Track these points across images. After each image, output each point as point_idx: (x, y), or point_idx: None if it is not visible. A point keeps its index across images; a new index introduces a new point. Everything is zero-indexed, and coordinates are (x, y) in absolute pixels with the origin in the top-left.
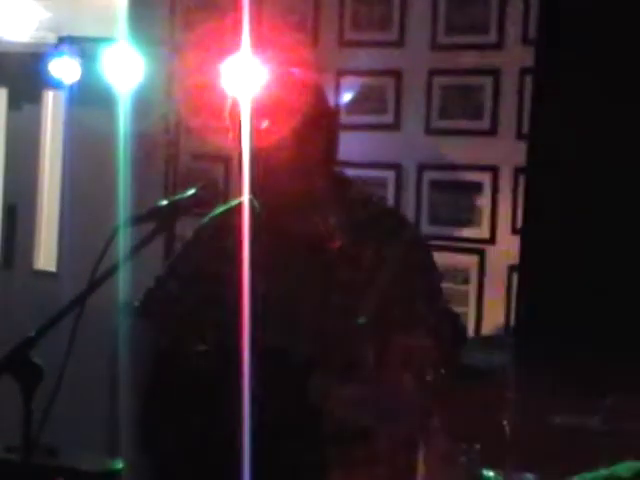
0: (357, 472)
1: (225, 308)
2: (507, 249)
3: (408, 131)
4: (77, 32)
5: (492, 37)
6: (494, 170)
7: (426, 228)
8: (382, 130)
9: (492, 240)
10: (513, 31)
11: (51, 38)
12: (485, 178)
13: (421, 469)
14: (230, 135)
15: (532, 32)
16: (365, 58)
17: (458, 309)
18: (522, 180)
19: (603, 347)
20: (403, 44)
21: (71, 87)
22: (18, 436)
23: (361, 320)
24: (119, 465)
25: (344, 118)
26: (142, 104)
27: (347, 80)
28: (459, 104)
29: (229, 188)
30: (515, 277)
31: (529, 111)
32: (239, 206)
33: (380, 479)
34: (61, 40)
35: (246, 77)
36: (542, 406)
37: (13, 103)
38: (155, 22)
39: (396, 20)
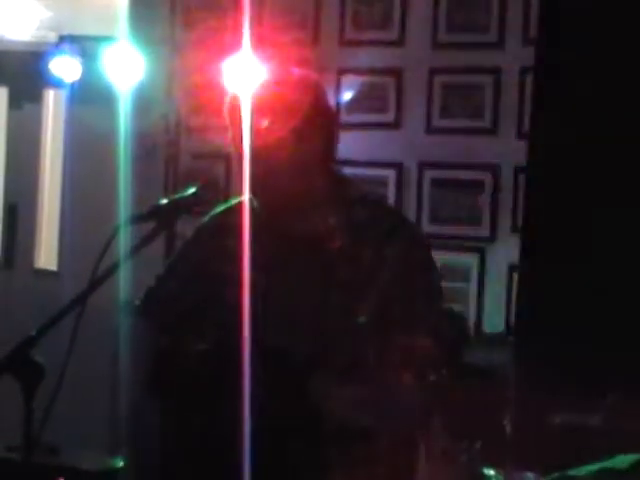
0: (358, 472)
1: (225, 307)
2: (507, 248)
3: (409, 130)
4: (78, 31)
5: (493, 36)
6: (495, 169)
7: (427, 226)
8: (383, 129)
9: (492, 239)
10: (514, 30)
11: (52, 37)
12: (486, 177)
13: (422, 468)
14: (229, 134)
15: (532, 31)
16: (366, 57)
17: (458, 307)
18: (522, 179)
19: (603, 346)
20: (404, 43)
21: (72, 86)
22: (19, 435)
23: (361, 320)
24: (120, 464)
25: (345, 117)
26: (142, 103)
27: (348, 79)
28: (460, 103)
29: (229, 187)
30: (515, 276)
31: (529, 110)
32: (239, 205)
33: (381, 479)
34: (62, 39)
35: (246, 76)
36: (542, 405)
37: (14, 102)
38: (156, 21)
39: (397, 19)
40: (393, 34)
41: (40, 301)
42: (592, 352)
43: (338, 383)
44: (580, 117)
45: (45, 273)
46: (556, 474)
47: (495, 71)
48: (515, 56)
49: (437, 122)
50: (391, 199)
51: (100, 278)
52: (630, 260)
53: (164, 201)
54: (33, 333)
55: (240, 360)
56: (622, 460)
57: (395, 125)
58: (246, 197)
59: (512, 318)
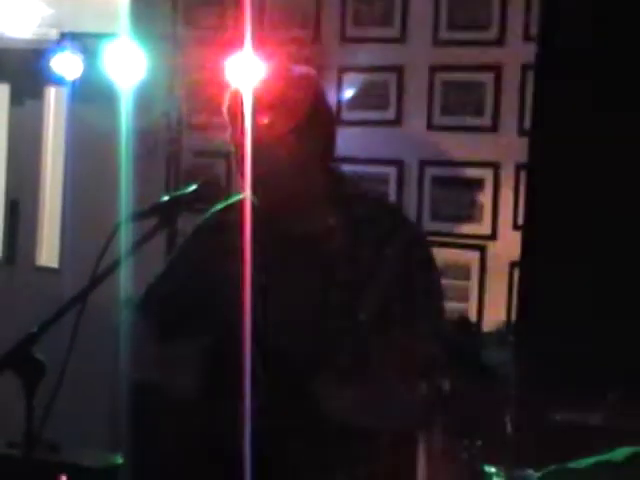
0: (358, 471)
1: (225, 305)
2: (508, 245)
3: (410, 127)
4: (79, 28)
5: (493, 33)
6: (496, 166)
7: (428, 224)
8: (384, 126)
9: (493, 236)
10: (514, 27)
11: (53, 34)
12: (487, 174)
13: (422, 467)
14: (229, 131)
15: (533, 28)
16: (367, 54)
17: (459, 305)
18: (523, 176)
19: (603, 345)
20: (405, 40)
21: (73, 83)
22: (20, 432)
23: (361, 319)
24: (120, 461)
25: (346, 114)
26: (144, 100)
27: (349, 76)
28: (461, 100)
29: (231, 184)
30: (516, 273)
31: (530, 107)
32: (238, 203)
33: (381, 478)
34: (63, 36)
35: (246, 73)
36: (543, 404)
37: (15, 99)
38: (157, 18)
39: (398, 16)
40: (394, 31)
41: (41, 298)
42: (592, 351)
43: (338, 383)
44: (581, 114)
45: (46, 270)
46: (553, 467)
47: (496, 68)
48: (516, 53)
49: (438, 119)
50: (392, 196)
51: (101, 275)
52: (631, 259)
53: (165, 198)
54: (34, 330)
55: (240, 359)
56: (618, 453)
57: (396, 122)
58: (248, 195)
59: (513, 316)
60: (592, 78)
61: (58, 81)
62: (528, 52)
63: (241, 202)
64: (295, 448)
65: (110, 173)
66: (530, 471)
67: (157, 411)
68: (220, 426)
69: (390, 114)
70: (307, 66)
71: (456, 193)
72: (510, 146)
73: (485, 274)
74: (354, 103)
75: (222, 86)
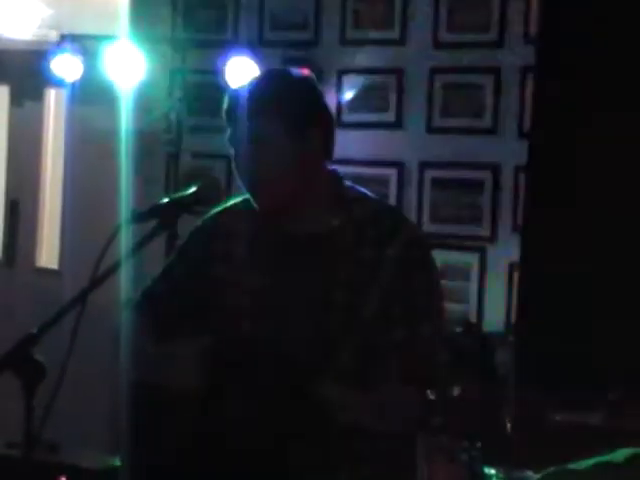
0: (359, 472)
1: (224, 308)
2: (508, 247)
3: (410, 129)
4: (79, 30)
5: (493, 35)
6: (495, 168)
7: (427, 226)
8: (384, 128)
9: (493, 238)
10: (514, 29)
11: (53, 36)
12: (486, 176)
13: (423, 468)
14: (228, 133)
15: (533, 30)
16: (367, 56)
17: (459, 306)
18: (523, 178)
19: (603, 345)
20: (405, 42)
21: (73, 85)
22: (20, 432)
23: (363, 320)
24: (119, 463)
25: (346, 116)
26: (144, 102)
27: (349, 78)
28: (460, 102)
29: (230, 186)
30: (516, 275)
31: (530, 109)
32: (237, 205)
33: (383, 478)
34: (63, 38)
35: (245, 75)
36: (543, 404)
37: (15, 100)
38: (157, 20)
39: (397, 18)
40: (394, 33)
41: (41, 299)
42: (592, 351)
43: (340, 384)
44: (580, 116)
45: (46, 272)
46: (552, 468)
47: (496, 70)
48: (516, 55)
49: (438, 121)
50: (392, 198)
51: (101, 277)
52: (630, 259)
53: (165, 200)
54: (34, 331)
55: (241, 361)
56: (618, 454)
57: (396, 124)
58: (252, 198)
59: (512, 317)
60: (591, 81)
61: (58, 82)
62: (528, 54)
63: (240, 204)
64: (296, 448)
65: (110, 174)
66: (529, 472)
67: (157, 412)
68: (220, 427)
69: (390, 116)
70: (306, 69)
71: (456, 195)
72: (510, 148)
73: (485, 275)
74: (354, 105)
75: (221, 88)
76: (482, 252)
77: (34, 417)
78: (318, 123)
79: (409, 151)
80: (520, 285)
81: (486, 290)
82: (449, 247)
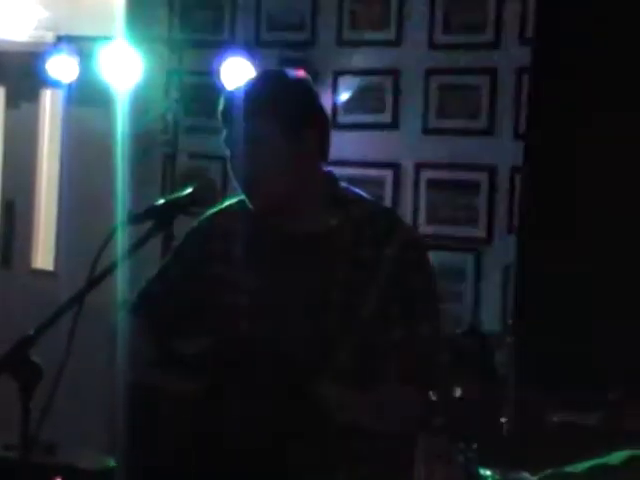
0: (357, 472)
1: (221, 309)
2: (504, 248)
3: (406, 130)
4: (75, 31)
5: (489, 36)
6: (491, 169)
7: (423, 227)
8: (380, 129)
9: (489, 239)
10: (510, 30)
11: (49, 37)
12: (482, 177)
13: (420, 469)
14: (224, 134)
15: (529, 31)
16: (363, 57)
17: (454, 308)
18: (519, 179)
19: (602, 345)
20: (401, 43)
21: (69, 86)
22: (17, 434)
23: (360, 320)
24: (115, 464)
25: (342, 117)
26: (140, 103)
27: (345, 79)
28: (456, 103)
29: (226, 187)
30: (511, 276)
31: (526, 111)
32: (232, 206)
33: (381, 478)
34: (59, 39)
35: (241, 76)
36: (541, 405)
37: (11, 101)
38: (153, 21)
39: (393, 19)
40: (390, 34)
41: (37, 301)
42: (591, 352)
43: (338, 383)
44: (576, 117)
45: (42, 273)
46: (549, 470)
47: (491, 71)
48: (511, 56)
49: (434, 123)
50: (388, 200)
51: (97, 278)
52: (628, 259)
53: (161, 201)
54: (31, 333)
55: (239, 361)
56: (615, 456)
57: (392, 125)
58: (249, 200)
59: (508, 318)
60: (587, 82)
61: (54, 84)
62: (523, 55)
63: (236, 205)
64: (294, 448)
65: (106, 175)
66: (525, 473)
67: (154, 412)
68: (218, 426)
69: (386, 117)
70: (301, 69)
71: (452, 196)
72: (505, 149)
73: (480, 277)
74: (350, 106)
75: (218, 89)
76: (478, 253)
77: (31, 418)
78: (314, 124)
79: (405, 152)
80: (516, 286)
81: (482, 292)
82: (445, 248)
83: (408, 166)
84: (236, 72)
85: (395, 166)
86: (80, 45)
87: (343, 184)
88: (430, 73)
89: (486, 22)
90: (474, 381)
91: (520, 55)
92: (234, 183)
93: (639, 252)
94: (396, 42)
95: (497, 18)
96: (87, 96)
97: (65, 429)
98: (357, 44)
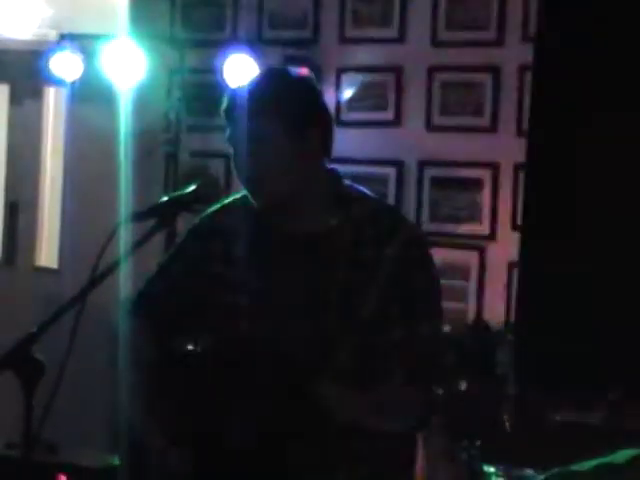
0: (358, 472)
1: (222, 308)
2: (507, 246)
3: (409, 128)
4: (78, 29)
5: (492, 34)
6: (494, 167)
7: (427, 224)
8: (383, 127)
9: (492, 237)
10: (513, 28)
11: (52, 35)
12: (485, 175)
13: (422, 467)
14: (227, 132)
15: (532, 29)
16: (366, 55)
17: (458, 305)
18: (522, 177)
19: (603, 344)
20: (403, 41)
21: (72, 84)
22: (19, 432)
23: (361, 319)
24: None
25: (345, 115)
26: (143, 101)
27: (348, 77)
28: (459, 101)
29: (229, 185)
30: (515, 273)
31: (529, 108)
32: (234, 204)
33: (382, 477)
34: (62, 37)
35: (244, 74)
36: (542, 403)
37: (15, 100)
38: (156, 19)
39: (396, 17)
40: (393, 32)
41: (40, 299)
42: (592, 350)
43: (338, 383)
44: (579, 115)
45: (46, 271)
46: (555, 469)
47: (494, 69)
48: (514, 54)
49: (437, 120)
50: (391, 197)
51: (100, 275)
52: (630, 258)
53: (164, 199)
54: (34, 330)
55: (239, 360)
56: (620, 455)
57: (395, 123)
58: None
59: (512, 316)
60: (590, 79)
61: (57, 82)
62: (526, 53)
63: (238, 201)
64: (295, 448)
65: (109, 173)
66: (529, 470)
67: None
68: (219, 427)
69: (389, 115)
70: (305, 67)
71: (455, 193)
72: (509, 146)
73: (484, 274)
74: (353, 104)
75: (220, 87)
76: (481, 251)
77: (33, 417)
78: (317, 123)
79: (408, 150)
80: (519, 284)
81: (485, 289)
82: (448, 246)
83: (411, 163)
84: (239, 70)
85: (398, 163)
86: (83, 43)
87: (347, 182)
88: (433, 70)
89: (489, 19)
90: (474, 377)
91: (523, 53)
92: (237, 181)
93: (639, 252)
94: (399, 39)
95: (500, 15)
96: (90, 94)
97: (67, 427)
98: (360, 41)
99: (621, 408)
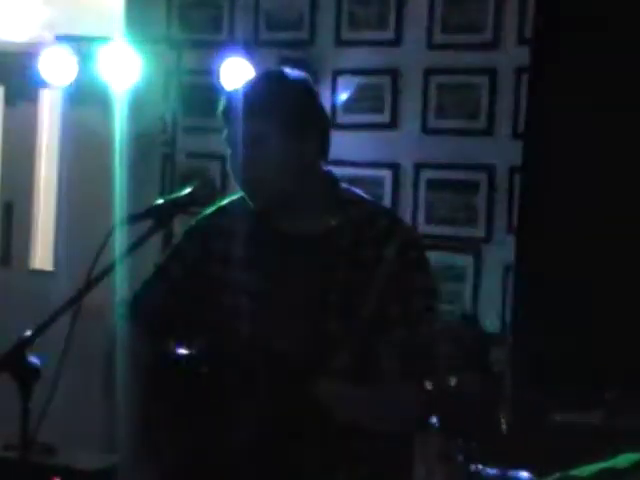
0: (357, 471)
1: (221, 309)
2: (503, 248)
3: (405, 130)
4: (74, 31)
5: (488, 36)
6: (490, 169)
7: (423, 227)
8: (379, 129)
9: (488, 239)
10: (509, 30)
11: (48, 37)
12: (481, 177)
13: (419, 468)
14: (224, 134)
15: (528, 31)
16: (362, 57)
17: (454, 308)
18: (518, 179)
19: (600, 345)
20: (400, 43)
21: (68, 86)
22: (16, 434)
23: (359, 320)
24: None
25: (341, 117)
26: (139, 103)
27: (344, 79)
28: (455, 103)
29: (226, 186)
30: (511, 276)
31: (525, 110)
32: (231, 205)
33: (379, 478)
34: (58, 39)
35: (240, 76)
36: (540, 404)
37: (10, 101)
38: (152, 21)
39: (393, 19)
40: (389, 34)
41: (36, 301)
42: (590, 351)
43: (337, 384)
44: (575, 117)
45: (41, 273)
46: (557, 474)
47: (491, 71)
48: (510, 56)
49: (433, 122)
50: (387, 199)
51: (96, 278)
52: (626, 258)
53: (160, 201)
54: (29, 333)
55: (238, 362)
56: (623, 460)
57: (391, 125)
58: (247, 199)
59: (508, 318)
60: (587, 81)
61: (53, 84)
62: (522, 55)
63: (235, 202)
64: (295, 448)
65: (105, 175)
66: (525, 472)
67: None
68: (219, 427)
69: (385, 117)
70: (302, 69)
71: (451, 196)
72: (505, 149)
73: (480, 277)
74: (349, 106)
75: (217, 89)
76: (477, 253)
77: (30, 419)
78: (314, 124)
79: (404, 152)
80: (515, 286)
81: (481, 291)
82: (444, 248)
83: (407, 166)
84: (235, 72)
85: (394, 166)
86: (79, 45)
87: (343, 185)
88: (429, 73)
89: (485, 22)
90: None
91: (519, 55)
92: (233, 182)
93: (638, 252)
94: (395, 42)
95: (496, 18)
96: (86, 96)
97: (64, 429)
98: (356, 44)
99: (619, 408)
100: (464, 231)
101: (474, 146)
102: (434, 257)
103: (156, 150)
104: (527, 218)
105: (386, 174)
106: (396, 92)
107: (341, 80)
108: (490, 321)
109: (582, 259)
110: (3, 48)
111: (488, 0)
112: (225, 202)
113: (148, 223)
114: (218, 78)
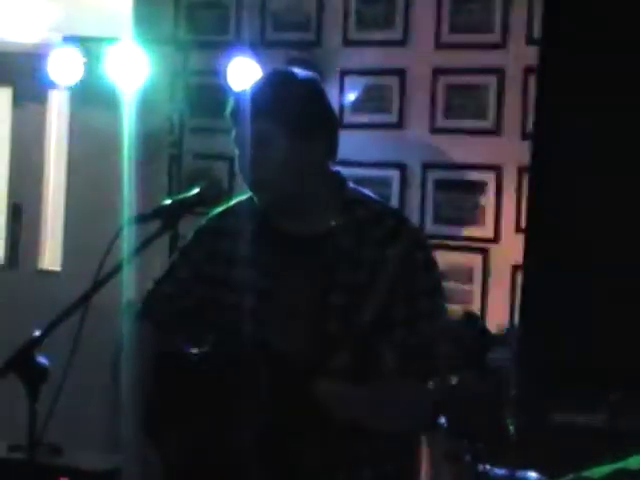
0: (360, 472)
1: (225, 309)
2: (511, 248)
3: (412, 130)
4: (82, 32)
5: (496, 36)
6: (498, 169)
7: (430, 227)
8: (386, 129)
9: (496, 239)
10: (517, 30)
11: (56, 38)
12: (489, 177)
13: (425, 468)
14: (232, 135)
15: (536, 31)
16: (369, 57)
17: (462, 308)
18: (526, 179)
19: (606, 345)
20: (407, 43)
21: (76, 87)
22: (23, 435)
23: (363, 320)
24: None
25: (349, 117)
26: (147, 104)
27: (351, 79)
28: (463, 103)
29: (233, 187)
30: (519, 276)
31: (533, 110)
32: (239, 206)
33: (384, 478)
34: (66, 40)
35: (249, 77)
36: (545, 405)
37: (18, 102)
38: (159, 22)
39: (400, 19)
40: (396, 34)
41: (43, 301)
42: (595, 352)
43: (339, 385)
44: (584, 116)
45: (49, 273)
46: (570, 475)
47: (498, 71)
48: (518, 56)
49: (441, 122)
50: (395, 200)
51: (104, 278)
52: (632, 260)
53: (168, 201)
54: (37, 334)
55: (241, 361)
56: (634, 461)
57: (399, 125)
58: (255, 199)
59: (516, 319)
60: (594, 81)
61: (61, 84)
62: (531, 55)
63: (244, 203)
64: (295, 448)
65: (112, 176)
66: (532, 473)
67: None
68: (220, 426)
69: (393, 117)
70: (309, 70)
71: (459, 196)
72: (513, 149)
73: (488, 277)
74: (357, 106)
75: (224, 89)
76: (485, 254)
77: (37, 419)
78: (322, 125)
79: (412, 152)
80: (523, 287)
81: (489, 292)
82: (452, 248)
83: (415, 166)
84: (242, 72)
85: (402, 166)
86: (86, 46)
87: (351, 185)
88: (437, 73)
89: (493, 22)
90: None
91: (527, 55)
92: (240, 183)
93: None
94: (402, 42)
95: (504, 18)
96: (93, 97)
97: (70, 430)
98: (363, 44)
99: (622, 409)
100: (472, 231)
101: (482, 146)
102: (441, 257)
103: (163, 151)
104: (535, 219)
105: (394, 174)
106: (403, 92)
107: (348, 80)
108: (497, 322)
109: (589, 260)
110: (11, 50)
111: (496, 0)
112: (234, 202)
113: (156, 224)
114: (225, 79)
